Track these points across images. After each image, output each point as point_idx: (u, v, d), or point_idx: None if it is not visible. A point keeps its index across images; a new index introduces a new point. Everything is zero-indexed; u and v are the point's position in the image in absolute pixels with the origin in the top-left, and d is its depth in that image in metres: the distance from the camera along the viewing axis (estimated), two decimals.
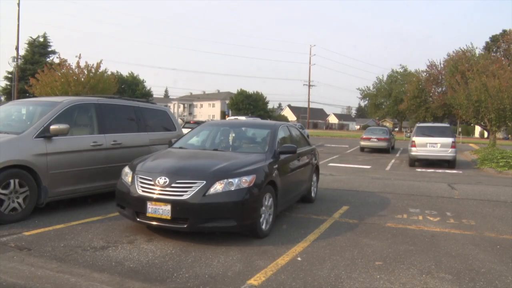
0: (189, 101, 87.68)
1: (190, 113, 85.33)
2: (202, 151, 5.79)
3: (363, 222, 5.80)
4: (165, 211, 4.35)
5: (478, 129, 52.43)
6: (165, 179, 4.48)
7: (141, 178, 4.68)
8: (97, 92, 21.69)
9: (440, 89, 50.40)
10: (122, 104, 7.00)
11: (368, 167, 14.30)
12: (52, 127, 5.42)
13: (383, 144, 20.83)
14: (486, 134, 44.57)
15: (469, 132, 56.74)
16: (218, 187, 4.42)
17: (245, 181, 4.53)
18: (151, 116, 7.42)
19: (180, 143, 6.05)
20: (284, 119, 62.84)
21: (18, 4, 28.10)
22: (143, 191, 4.56)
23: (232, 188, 4.45)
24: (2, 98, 41.24)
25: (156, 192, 4.46)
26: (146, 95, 56.98)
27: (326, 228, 5.37)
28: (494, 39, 51.58)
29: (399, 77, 64.18)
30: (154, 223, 4.48)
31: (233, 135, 6.28)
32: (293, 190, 5.99)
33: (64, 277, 3.43)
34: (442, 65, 49.45)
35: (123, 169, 5.11)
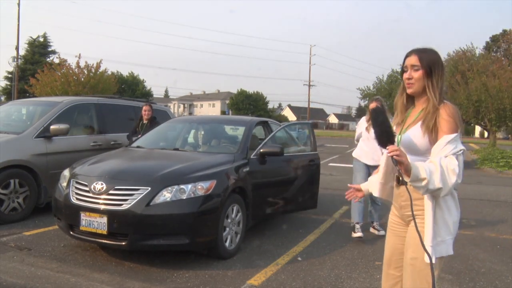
0: (189, 101, 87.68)
1: (190, 113, 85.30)
2: (160, 150, 4.93)
3: (363, 222, 5.78)
4: (100, 224, 3.59)
5: (478, 129, 52.38)
6: (101, 184, 3.70)
7: (76, 183, 3.90)
8: (97, 92, 21.66)
9: None
10: (122, 104, 7.01)
11: None
12: (52, 127, 5.42)
13: None
14: (486, 134, 44.54)
15: (469, 132, 56.66)
16: (166, 195, 3.62)
17: (201, 188, 3.71)
18: None
19: (139, 141, 5.25)
20: (284, 119, 62.81)
21: (18, 4, 28.11)
22: (77, 199, 3.80)
23: (184, 197, 3.63)
24: (2, 98, 41.19)
25: (91, 200, 3.69)
26: (146, 95, 56.94)
27: (326, 228, 5.37)
28: (494, 39, 51.49)
29: (399, 77, 64.18)
30: (88, 238, 3.73)
31: (202, 132, 5.57)
32: (276, 199, 5.12)
33: (64, 277, 3.43)
34: None
35: (63, 172, 4.35)
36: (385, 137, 1.77)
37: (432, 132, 1.88)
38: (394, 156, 1.70)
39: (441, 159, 1.77)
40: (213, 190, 3.77)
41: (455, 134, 1.82)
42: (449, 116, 1.86)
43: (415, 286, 1.92)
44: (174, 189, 3.65)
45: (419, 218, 1.88)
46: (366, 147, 4.99)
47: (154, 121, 6.41)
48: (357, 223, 4.80)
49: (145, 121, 6.45)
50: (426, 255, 1.79)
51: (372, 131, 4.67)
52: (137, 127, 6.48)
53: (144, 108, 6.52)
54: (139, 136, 5.86)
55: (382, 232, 5.00)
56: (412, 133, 1.93)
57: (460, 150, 1.82)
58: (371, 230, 5.24)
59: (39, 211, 5.41)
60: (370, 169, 4.87)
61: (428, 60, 1.94)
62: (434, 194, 1.80)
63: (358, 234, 4.71)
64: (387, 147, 1.74)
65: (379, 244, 4.75)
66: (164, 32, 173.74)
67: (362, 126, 5.07)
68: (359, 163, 5.03)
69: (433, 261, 1.78)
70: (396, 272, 2.11)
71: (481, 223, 5.97)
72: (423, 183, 1.72)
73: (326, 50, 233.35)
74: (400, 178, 1.78)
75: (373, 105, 4.67)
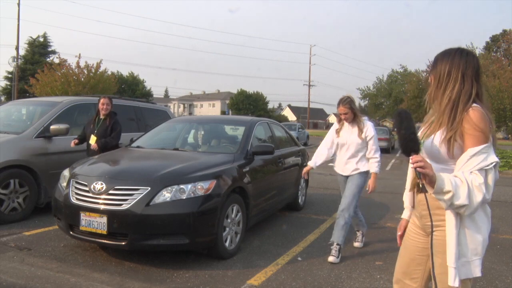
0: (189, 101, 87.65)
1: (190, 113, 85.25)
2: (159, 150, 4.91)
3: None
4: (100, 224, 3.57)
5: None
6: (101, 184, 3.69)
7: (76, 183, 3.89)
8: (97, 92, 21.70)
9: None
10: (122, 104, 7.00)
11: None
12: (52, 127, 5.41)
13: (383, 144, 20.84)
14: None
15: None
16: (166, 194, 3.60)
17: (201, 188, 3.70)
18: (151, 116, 7.42)
19: (139, 141, 5.23)
20: (284, 119, 62.85)
21: (18, 4, 28.12)
22: (77, 199, 3.78)
23: (184, 196, 3.61)
24: (2, 98, 41.17)
25: (91, 200, 3.68)
26: (146, 95, 56.93)
27: (326, 228, 5.37)
28: (494, 39, 51.43)
29: (399, 77, 64.03)
30: (88, 238, 3.71)
31: (202, 132, 5.59)
32: (272, 198, 5.12)
33: (64, 277, 3.43)
34: None
35: (62, 172, 4.33)
36: (408, 145, 1.62)
37: (451, 144, 1.71)
38: (418, 168, 1.57)
39: (465, 174, 1.61)
40: (213, 190, 3.76)
41: (481, 146, 1.63)
42: (473, 129, 1.66)
43: None
44: (174, 189, 3.63)
45: (439, 230, 1.75)
46: (338, 155, 4.42)
47: (113, 117, 5.51)
48: (359, 232, 4.64)
49: (102, 116, 5.48)
50: (449, 277, 1.67)
51: (343, 136, 4.25)
52: (93, 123, 5.52)
53: (101, 101, 5.47)
54: (94, 132, 5.35)
55: (331, 258, 4.02)
56: (434, 140, 1.78)
57: (491, 163, 1.62)
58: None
59: (39, 211, 5.41)
60: (347, 179, 4.29)
61: (437, 70, 1.81)
62: (459, 211, 1.65)
63: (357, 244, 4.52)
64: (410, 157, 1.61)
65: (379, 244, 4.75)
66: (164, 32, 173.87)
67: (333, 130, 4.44)
68: (338, 174, 4.47)
69: (456, 284, 1.66)
70: (412, 283, 1.98)
71: None
72: (448, 196, 1.58)
73: (326, 50, 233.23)
74: (420, 185, 1.63)
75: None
